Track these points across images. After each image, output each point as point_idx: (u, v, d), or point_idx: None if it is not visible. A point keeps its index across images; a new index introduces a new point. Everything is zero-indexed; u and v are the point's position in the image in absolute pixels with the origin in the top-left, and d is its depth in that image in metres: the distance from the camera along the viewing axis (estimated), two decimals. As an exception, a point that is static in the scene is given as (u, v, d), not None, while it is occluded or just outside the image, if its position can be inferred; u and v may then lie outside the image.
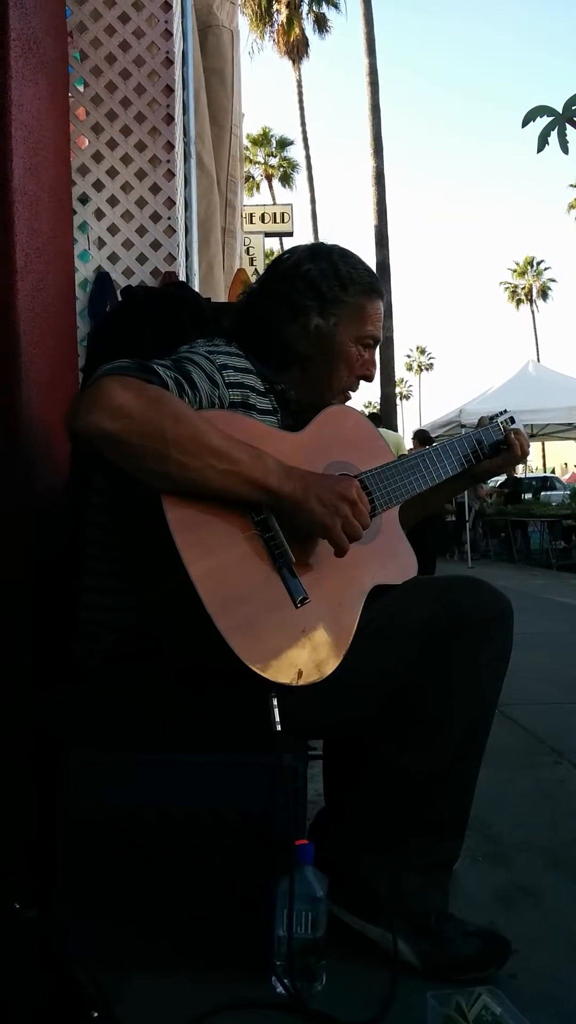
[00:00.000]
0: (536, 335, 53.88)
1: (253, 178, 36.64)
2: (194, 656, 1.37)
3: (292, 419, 1.60)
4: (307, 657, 1.37)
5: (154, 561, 1.33)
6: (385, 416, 18.09)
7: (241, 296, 1.70)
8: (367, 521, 1.43)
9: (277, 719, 1.34)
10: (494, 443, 1.81)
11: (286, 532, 1.38)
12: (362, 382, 1.68)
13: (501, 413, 1.88)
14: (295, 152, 37.76)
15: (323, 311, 1.58)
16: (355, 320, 1.61)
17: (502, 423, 1.85)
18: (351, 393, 1.69)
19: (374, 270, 1.70)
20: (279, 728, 1.34)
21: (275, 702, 1.34)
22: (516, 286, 57.36)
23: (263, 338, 1.59)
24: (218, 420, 1.34)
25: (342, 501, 1.38)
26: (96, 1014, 1.09)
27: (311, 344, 1.59)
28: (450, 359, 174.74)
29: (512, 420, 1.86)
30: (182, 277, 2.78)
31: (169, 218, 2.70)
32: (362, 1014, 1.33)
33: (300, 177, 37.34)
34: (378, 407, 19.70)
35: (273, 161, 38.35)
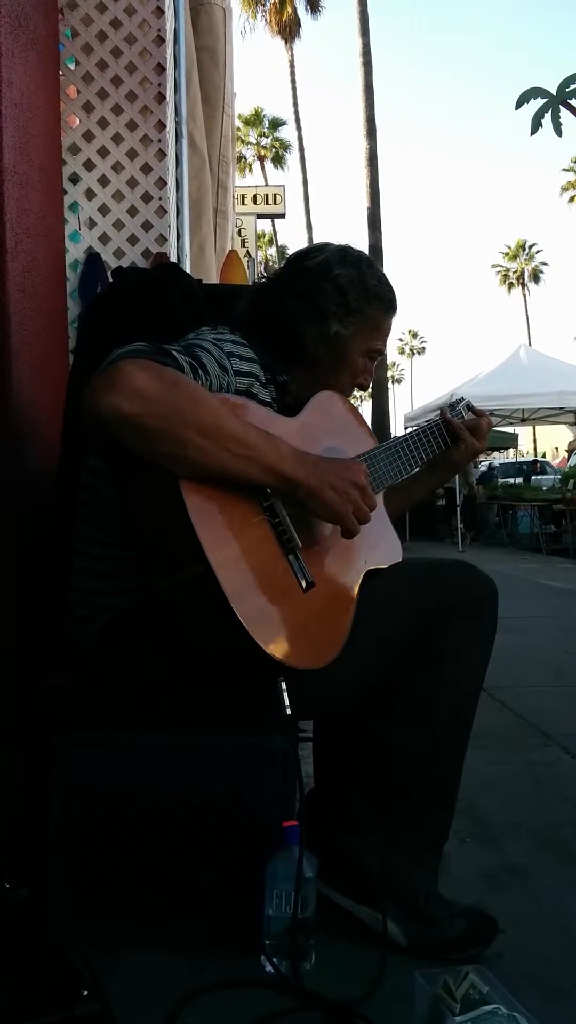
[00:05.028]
0: (528, 319, 53.78)
1: (245, 159, 36.38)
2: (207, 643, 1.36)
3: (288, 411, 1.59)
4: (314, 641, 1.38)
5: (170, 548, 1.31)
6: (377, 400, 18.08)
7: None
8: (374, 504, 1.45)
9: (287, 703, 1.34)
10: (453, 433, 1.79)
11: (291, 517, 1.38)
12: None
13: (458, 401, 1.88)
14: (288, 133, 37.49)
15: (344, 319, 1.59)
16: (370, 333, 1.63)
17: (462, 408, 1.85)
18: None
19: (374, 259, 1.70)
20: (289, 711, 1.34)
21: (284, 686, 1.34)
22: (508, 269, 57.03)
23: (279, 331, 1.59)
24: (227, 404, 1.34)
25: (352, 487, 1.39)
26: (86, 992, 1.09)
27: (325, 348, 1.60)
28: (442, 343, 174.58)
29: (469, 407, 1.86)
30: (173, 258, 2.75)
31: (160, 198, 2.67)
32: (351, 993, 1.35)
33: (292, 158, 37.19)
34: (371, 391, 19.69)
35: (265, 142, 38.08)
